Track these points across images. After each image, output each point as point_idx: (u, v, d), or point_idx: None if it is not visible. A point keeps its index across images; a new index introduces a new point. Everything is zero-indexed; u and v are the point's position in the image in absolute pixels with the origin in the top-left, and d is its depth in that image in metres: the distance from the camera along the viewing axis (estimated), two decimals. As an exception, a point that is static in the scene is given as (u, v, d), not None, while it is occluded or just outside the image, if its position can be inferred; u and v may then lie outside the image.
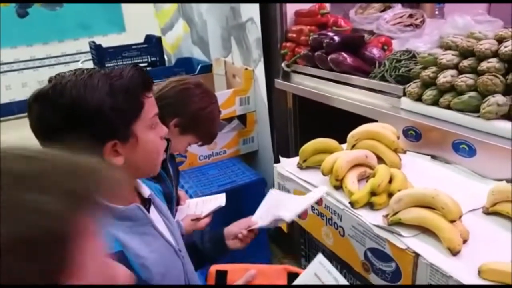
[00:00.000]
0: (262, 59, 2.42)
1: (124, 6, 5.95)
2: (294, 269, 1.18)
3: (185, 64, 3.18)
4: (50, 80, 0.91)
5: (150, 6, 3.92)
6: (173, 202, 1.25)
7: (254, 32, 2.43)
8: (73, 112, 0.86)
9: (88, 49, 3.88)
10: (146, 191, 1.05)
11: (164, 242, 1.04)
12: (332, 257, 1.45)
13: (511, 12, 2.27)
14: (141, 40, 3.75)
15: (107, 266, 0.47)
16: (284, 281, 1.14)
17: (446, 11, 2.59)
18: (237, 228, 1.35)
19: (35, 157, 0.43)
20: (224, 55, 2.87)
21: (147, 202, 1.04)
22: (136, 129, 0.94)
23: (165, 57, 3.65)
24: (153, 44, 3.56)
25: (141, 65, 3.06)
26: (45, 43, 5.88)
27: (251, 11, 2.40)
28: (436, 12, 2.59)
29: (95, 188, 0.44)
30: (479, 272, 0.95)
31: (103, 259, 0.46)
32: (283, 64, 2.33)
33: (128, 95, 0.91)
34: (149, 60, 3.56)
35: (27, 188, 0.40)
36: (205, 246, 1.35)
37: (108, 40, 5.51)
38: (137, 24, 5.09)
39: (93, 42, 3.66)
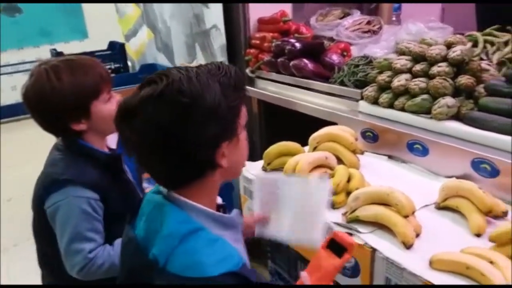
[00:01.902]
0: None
1: (86, 12, 5.85)
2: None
3: (150, 71, 3.17)
4: (150, 82, 0.80)
5: (113, 12, 3.88)
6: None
7: (219, 39, 2.46)
8: (193, 112, 0.77)
9: (49, 56, 3.80)
10: (219, 199, 0.97)
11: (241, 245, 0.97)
12: (297, 257, 1.50)
13: (463, 18, 2.41)
14: (104, 46, 3.71)
15: None
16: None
17: (403, 18, 2.72)
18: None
19: None
20: (189, 61, 2.88)
21: (220, 209, 0.96)
22: (239, 127, 0.87)
23: (129, 63, 3.63)
24: (116, 50, 3.53)
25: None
26: (4, 51, 5.69)
27: (215, 18, 2.43)
28: (394, 19, 2.71)
29: None
30: (430, 263, 1.01)
31: None
32: (247, 70, 2.37)
33: (236, 93, 0.85)
34: (113, 66, 3.53)
35: None
36: None
37: (70, 47, 5.40)
38: (100, 31, 5.03)
39: (54, 49, 3.59)
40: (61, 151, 1.28)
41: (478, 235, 1.12)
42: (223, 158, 0.84)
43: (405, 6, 2.80)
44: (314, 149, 1.58)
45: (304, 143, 1.61)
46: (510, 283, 0.93)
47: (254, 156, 2.28)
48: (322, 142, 1.57)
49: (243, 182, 1.63)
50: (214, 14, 2.44)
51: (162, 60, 3.25)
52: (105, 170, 1.28)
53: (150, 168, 0.84)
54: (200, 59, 2.74)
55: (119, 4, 3.66)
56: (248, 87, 2.38)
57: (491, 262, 0.98)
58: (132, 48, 3.70)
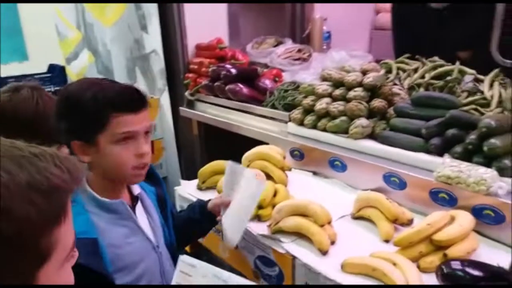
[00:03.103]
0: (166, 88, 2.53)
1: (26, 34, 5.69)
2: None
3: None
4: None
5: (53, 34, 3.83)
6: (167, 205, 1.31)
7: (158, 63, 2.54)
8: (63, 105, 1.05)
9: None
10: (136, 190, 1.18)
11: (143, 237, 1.15)
12: (230, 270, 1.57)
13: (387, 46, 2.64)
14: (45, 69, 3.65)
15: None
16: None
17: (333, 46, 2.95)
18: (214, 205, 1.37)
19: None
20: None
21: (135, 199, 1.18)
22: (99, 138, 1.04)
23: (70, 86, 3.59)
24: (56, 73, 3.49)
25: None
26: None
27: (154, 43, 2.52)
28: (324, 47, 2.92)
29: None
30: (342, 267, 1.13)
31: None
32: (186, 93, 2.46)
33: (103, 107, 1.03)
34: (53, 89, 3.48)
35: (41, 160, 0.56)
36: (197, 217, 1.38)
37: (10, 69, 5.21)
38: (41, 53, 4.91)
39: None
40: None
41: (386, 240, 1.26)
42: (82, 155, 1.05)
43: (335, 35, 3.03)
44: (247, 167, 1.68)
45: (240, 161, 1.71)
46: (409, 282, 1.06)
47: (195, 173, 2.36)
48: (254, 161, 1.68)
49: (178, 201, 1.69)
50: (153, 39, 2.53)
51: (103, 83, 3.26)
52: None
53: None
54: (141, 82, 2.79)
55: (60, 27, 3.64)
56: (187, 109, 2.47)
57: (394, 264, 1.11)
58: (73, 71, 3.67)
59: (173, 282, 1.01)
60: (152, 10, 2.46)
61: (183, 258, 1.01)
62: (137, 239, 1.12)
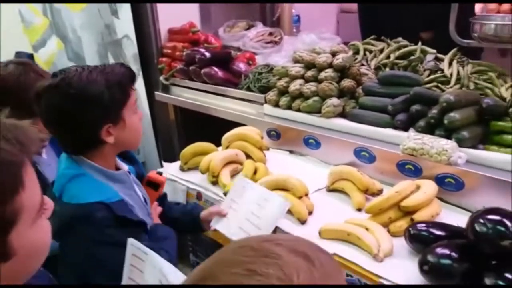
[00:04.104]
0: (140, 73, 2.55)
1: (-14, 21, 5.47)
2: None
3: (62, 81, 3.13)
4: (55, 75, 1.11)
5: (18, 22, 3.73)
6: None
7: (131, 48, 2.54)
8: (78, 101, 1.08)
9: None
10: (124, 167, 1.28)
11: (142, 205, 1.28)
12: (215, 246, 1.66)
13: (354, 29, 2.74)
14: (10, 57, 3.55)
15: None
16: None
17: (302, 29, 3.03)
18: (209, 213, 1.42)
19: None
20: (102, 71, 2.91)
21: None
22: (124, 114, 1.16)
23: (39, 74, 3.52)
24: (24, 61, 3.41)
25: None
26: None
27: (126, 28, 2.51)
28: (294, 30, 3.00)
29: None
30: (320, 233, 1.23)
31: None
32: (161, 78, 2.49)
33: (120, 88, 1.14)
34: (21, 77, 3.40)
35: None
36: (187, 221, 1.44)
37: (-31, 58, 5.02)
38: (4, 41, 4.76)
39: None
40: None
41: (359, 209, 1.37)
42: (109, 136, 1.14)
43: (304, 18, 3.11)
44: (227, 147, 1.75)
45: (218, 143, 1.78)
46: (380, 244, 1.17)
47: (174, 157, 2.42)
48: (233, 141, 1.75)
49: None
50: (125, 24, 2.52)
51: (74, 70, 3.22)
52: None
53: (58, 138, 1.16)
54: (114, 69, 2.79)
55: (24, 14, 3.54)
56: (162, 94, 2.50)
57: (367, 229, 1.22)
58: (41, 59, 3.59)
59: (127, 264, 1.06)
60: (122, -5, 2.45)
61: (132, 242, 1.05)
62: (138, 207, 1.22)
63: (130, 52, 2.57)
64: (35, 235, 0.65)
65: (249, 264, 0.47)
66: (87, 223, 1.06)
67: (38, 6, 3.30)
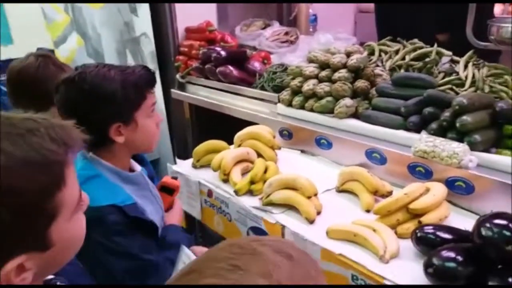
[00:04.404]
0: (157, 71, 2.59)
1: (11, 18, 5.62)
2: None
3: (81, 77, 3.20)
4: (76, 69, 1.17)
5: (38, 18, 3.83)
6: (155, 184, 1.43)
7: (148, 46, 2.59)
8: (91, 96, 1.10)
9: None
10: (137, 167, 1.30)
11: (158, 206, 1.30)
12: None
13: (371, 29, 2.73)
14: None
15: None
16: None
17: (319, 28, 3.03)
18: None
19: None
20: (120, 67, 2.97)
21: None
22: (137, 116, 1.18)
23: (60, 70, 3.60)
24: (45, 57, 3.50)
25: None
26: None
27: (144, 26, 2.56)
28: (311, 29, 3.00)
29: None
30: (327, 233, 1.24)
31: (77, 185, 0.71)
32: (177, 76, 2.53)
33: (136, 89, 1.16)
34: (42, 73, 3.49)
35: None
36: None
37: (-6, 53, 5.16)
38: (26, 37, 4.87)
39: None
40: None
41: (368, 210, 1.38)
42: (119, 135, 1.16)
43: (321, 17, 3.11)
44: (239, 146, 1.78)
45: (231, 141, 1.80)
46: (387, 246, 1.18)
47: (187, 155, 2.48)
48: (245, 140, 1.77)
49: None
50: (143, 22, 2.57)
51: (93, 66, 3.30)
52: None
53: None
54: (131, 65, 2.84)
55: (46, 10, 3.63)
56: (179, 92, 2.54)
57: (374, 230, 1.23)
58: (62, 55, 3.68)
59: (175, 272, 1.09)
60: (141, -6, 2.50)
61: (186, 252, 1.10)
62: (153, 208, 1.25)
63: (148, 50, 2.62)
64: (72, 228, 0.71)
65: (234, 260, 0.50)
66: (98, 227, 1.06)
67: (60, 4, 3.39)
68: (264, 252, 0.52)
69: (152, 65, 2.62)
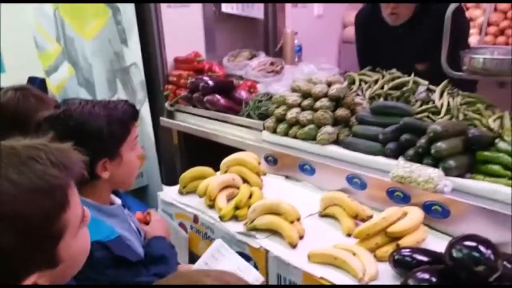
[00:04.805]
0: (147, 99, 2.65)
1: (3, 46, 5.69)
2: None
3: (72, 105, 3.25)
4: (57, 106, 1.18)
5: (30, 47, 3.91)
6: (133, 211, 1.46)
7: (138, 75, 2.66)
8: (77, 133, 1.08)
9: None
10: (117, 200, 1.31)
11: (137, 236, 1.31)
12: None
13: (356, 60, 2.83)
14: (22, 81, 3.69)
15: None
16: None
17: (304, 58, 3.14)
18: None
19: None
20: (110, 96, 3.03)
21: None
22: (122, 150, 1.20)
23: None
24: (37, 85, 3.56)
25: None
26: None
27: (134, 57, 2.64)
28: (296, 60, 3.11)
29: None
30: (308, 257, 1.28)
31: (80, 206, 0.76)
32: (166, 104, 2.59)
33: (121, 124, 1.18)
34: (33, 101, 3.53)
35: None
36: None
37: (-15, 81, 5.20)
38: (18, 65, 4.94)
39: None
40: None
41: (348, 234, 1.42)
42: (104, 171, 1.17)
43: (306, 48, 3.23)
44: (225, 172, 1.82)
45: (218, 167, 1.85)
46: (366, 268, 1.22)
47: (176, 181, 2.51)
48: (231, 166, 1.82)
49: (161, 205, 1.82)
50: (133, 53, 2.65)
51: (84, 95, 3.35)
52: None
53: None
54: (121, 94, 2.90)
55: (39, 40, 3.71)
56: (167, 120, 2.60)
57: (354, 254, 1.27)
58: (53, 83, 3.74)
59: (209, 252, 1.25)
60: (131, 25, 2.58)
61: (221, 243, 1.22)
62: (134, 239, 1.26)
63: (138, 79, 2.69)
64: (78, 243, 0.77)
65: None
66: (87, 265, 1.03)
67: (52, 34, 3.47)
68: (205, 281, 0.58)
69: (142, 93, 2.69)
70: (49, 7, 3.34)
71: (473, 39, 3.04)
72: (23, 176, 0.65)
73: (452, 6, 1.72)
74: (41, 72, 3.97)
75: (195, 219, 1.64)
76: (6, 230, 0.62)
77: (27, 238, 0.65)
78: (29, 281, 0.66)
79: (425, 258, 1.17)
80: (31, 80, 3.70)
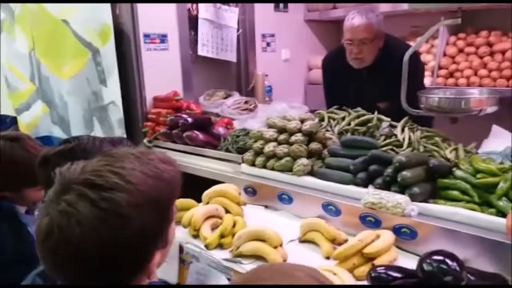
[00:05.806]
0: (125, 136, 2.72)
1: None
2: None
3: (45, 142, 3.25)
4: (68, 141, 1.22)
5: (2, 86, 3.90)
6: None
7: (116, 113, 2.74)
8: None
9: None
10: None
11: None
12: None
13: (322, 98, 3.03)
14: (-7, 118, 3.67)
15: None
16: None
17: (274, 98, 3.34)
18: None
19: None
20: (86, 133, 3.07)
21: None
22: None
23: (21, 136, 3.62)
24: (7, 124, 3.54)
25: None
26: None
27: (113, 96, 2.73)
28: (267, 99, 3.30)
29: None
30: (293, 278, 1.37)
31: None
32: (145, 140, 2.67)
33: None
34: (3, 140, 3.50)
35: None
36: None
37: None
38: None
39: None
40: None
41: (327, 257, 1.53)
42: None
43: (275, 88, 3.44)
44: (207, 203, 1.91)
45: (199, 200, 1.93)
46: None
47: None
48: (213, 197, 1.91)
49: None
50: (112, 92, 2.74)
51: (57, 133, 3.36)
52: None
53: None
54: (98, 131, 2.95)
55: (10, 79, 3.72)
56: (145, 156, 2.66)
57: (334, 274, 1.38)
58: (24, 121, 3.73)
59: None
60: (111, 66, 2.69)
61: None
62: None
63: (116, 117, 2.76)
64: (172, 231, 0.93)
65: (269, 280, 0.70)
66: None
67: (26, 73, 3.50)
68: (299, 275, 0.69)
69: (119, 130, 2.76)
70: (24, 47, 3.39)
71: (426, 81, 3.34)
72: (147, 169, 0.81)
73: (409, 51, 1.96)
74: (11, 110, 3.94)
75: (181, 248, 1.70)
76: (150, 211, 0.78)
77: (161, 216, 0.83)
78: (157, 257, 0.82)
79: (399, 274, 1.30)
80: (3, 117, 3.67)
